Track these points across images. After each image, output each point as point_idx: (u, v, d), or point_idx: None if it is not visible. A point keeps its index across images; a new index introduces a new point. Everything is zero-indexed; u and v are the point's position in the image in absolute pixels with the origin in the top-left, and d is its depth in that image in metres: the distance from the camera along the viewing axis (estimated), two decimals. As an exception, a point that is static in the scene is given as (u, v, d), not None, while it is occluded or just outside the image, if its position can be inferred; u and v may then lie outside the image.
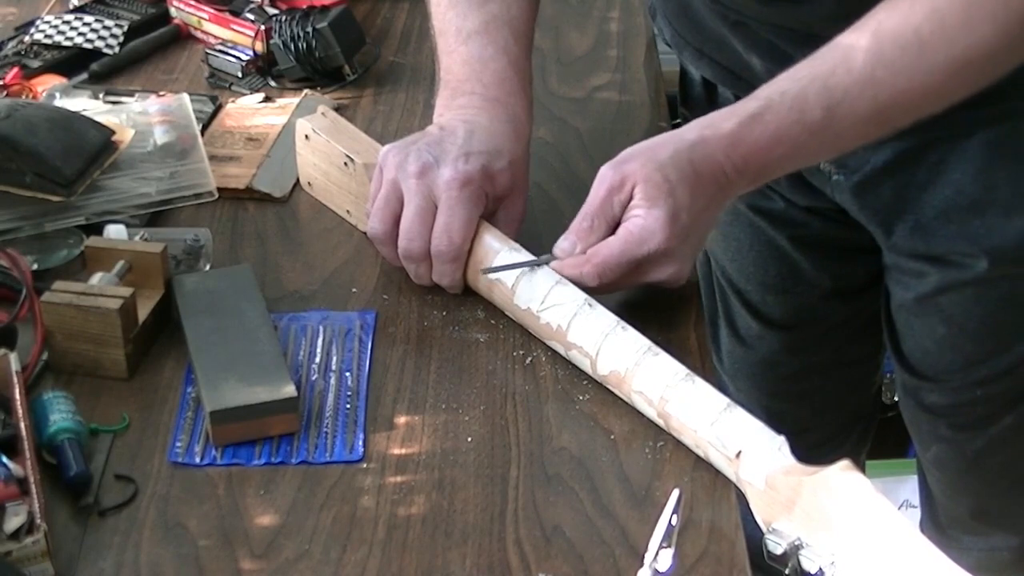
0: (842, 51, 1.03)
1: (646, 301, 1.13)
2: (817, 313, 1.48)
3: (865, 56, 1.02)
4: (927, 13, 1.01)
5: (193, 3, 1.53)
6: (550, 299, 1.06)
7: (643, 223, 1.03)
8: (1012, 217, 1.21)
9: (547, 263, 1.07)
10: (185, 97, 1.36)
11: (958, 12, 1.01)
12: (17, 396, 0.97)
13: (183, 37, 1.55)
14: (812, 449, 0.95)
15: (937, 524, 1.54)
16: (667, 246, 1.03)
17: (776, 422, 0.95)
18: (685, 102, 1.42)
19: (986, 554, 1.52)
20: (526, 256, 1.09)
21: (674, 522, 0.82)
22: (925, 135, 1.18)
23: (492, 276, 1.09)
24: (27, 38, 1.50)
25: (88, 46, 1.49)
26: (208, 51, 1.48)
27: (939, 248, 1.25)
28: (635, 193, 1.04)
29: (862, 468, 1.69)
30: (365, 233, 1.16)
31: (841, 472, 0.85)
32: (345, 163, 1.20)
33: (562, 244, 1.07)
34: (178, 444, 0.99)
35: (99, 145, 1.23)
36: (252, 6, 1.50)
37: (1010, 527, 1.51)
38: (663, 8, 1.34)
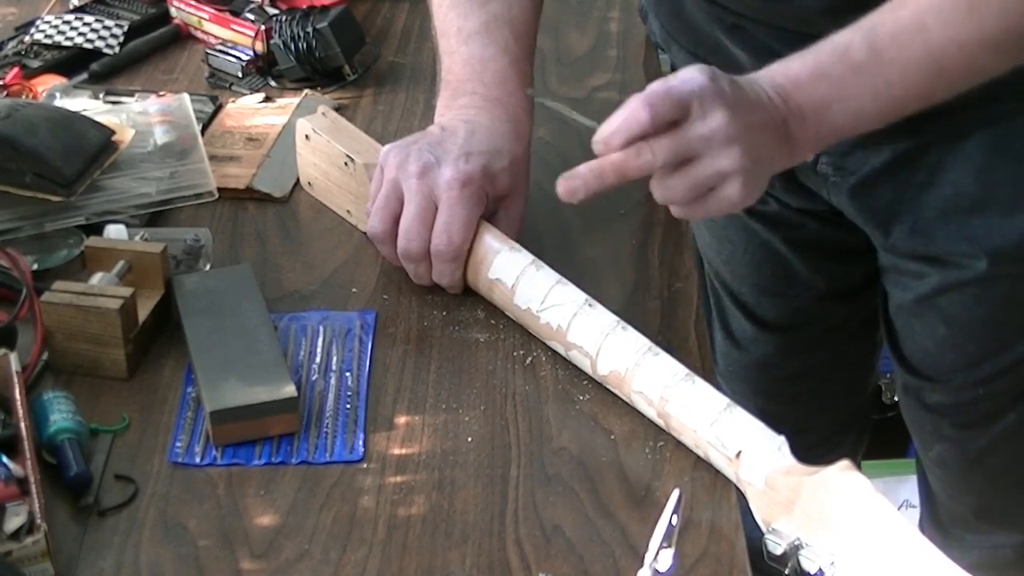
0: (890, 6, 1.02)
1: (646, 301, 1.14)
2: (812, 315, 1.48)
3: (914, 7, 1.01)
4: None
5: (193, 3, 1.53)
6: (550, 299, 1.06)
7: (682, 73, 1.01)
8: (1012, 216, 1.20)
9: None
10: (185, 97, 1.35)
11: None
12: (17, 396, 0.97)
13: (183, 37, 1.54)
14: (808, 451, 0.94)
15: (938, 523, 1.54)
16: (710, 92, 0.99)
17: (772, 424, 0.95)
18: None
19: (988, 552, 1.52)
20: (527, 256, 1.09)
21: (674, 522, 0.82)
22: (924, 136, 1.18)
23: (494, 277, 1.09)
24: (27, 38, 1.50)
25: (88, 46, 1.49)
26: (208, 51, 1.47)
27: (938, 249, 1.25)
28: None
29: (858, 469, 1.69)
30: (365, 233, 1.16)
31: (841, 472, 0.86)
32: (345, 163, 1.20)
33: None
34: (178, 444, 0.99)
35: (99, 145, 1.23)
36: (252, 6, 1.50)
37: (1012, 525, 1.50)
38: (655, 10, 1.33)
